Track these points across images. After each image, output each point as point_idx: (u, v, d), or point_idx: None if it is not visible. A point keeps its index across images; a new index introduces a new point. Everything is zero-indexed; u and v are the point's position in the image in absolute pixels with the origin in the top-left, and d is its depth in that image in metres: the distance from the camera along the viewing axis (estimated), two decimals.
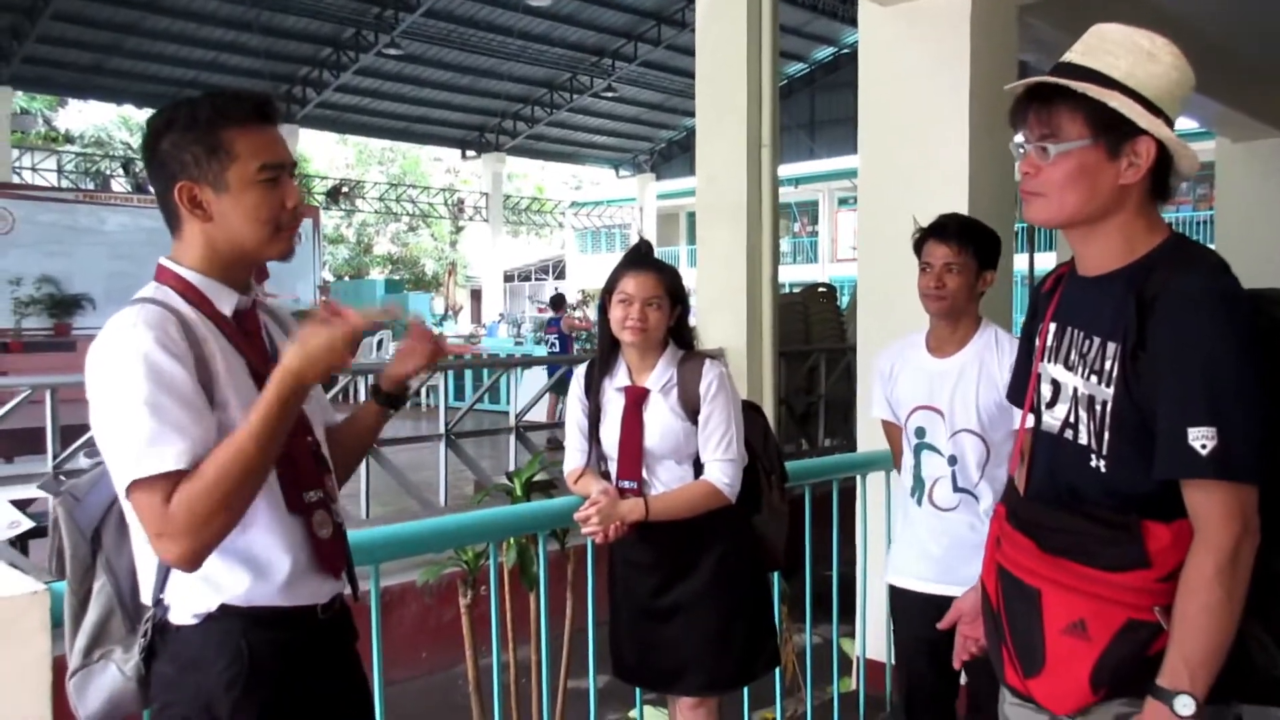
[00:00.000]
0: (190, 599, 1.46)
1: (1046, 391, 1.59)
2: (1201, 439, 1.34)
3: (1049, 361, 1.60)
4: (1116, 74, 1.44)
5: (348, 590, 1.64)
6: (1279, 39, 6.10)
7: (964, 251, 2.52)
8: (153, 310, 1.41)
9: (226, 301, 1.51)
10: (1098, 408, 1.48)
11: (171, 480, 1.33)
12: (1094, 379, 1.49)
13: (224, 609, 1.46)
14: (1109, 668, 1.43)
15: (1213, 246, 1.56)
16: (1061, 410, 1.56)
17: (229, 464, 1.34)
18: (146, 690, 1.48)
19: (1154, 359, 1.40)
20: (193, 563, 1.36)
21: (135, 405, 1.34)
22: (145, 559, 1.46)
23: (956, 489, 2.57)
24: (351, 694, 1.67)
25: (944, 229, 2.55)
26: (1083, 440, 1.51)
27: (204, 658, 1.45)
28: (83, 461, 1.60)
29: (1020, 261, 6.22)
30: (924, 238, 2.59)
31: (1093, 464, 1.49)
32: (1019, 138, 1.54)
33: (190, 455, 1.35)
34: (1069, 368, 1.55)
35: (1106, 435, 1.47)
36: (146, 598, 1.48)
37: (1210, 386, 1.35)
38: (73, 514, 1.49)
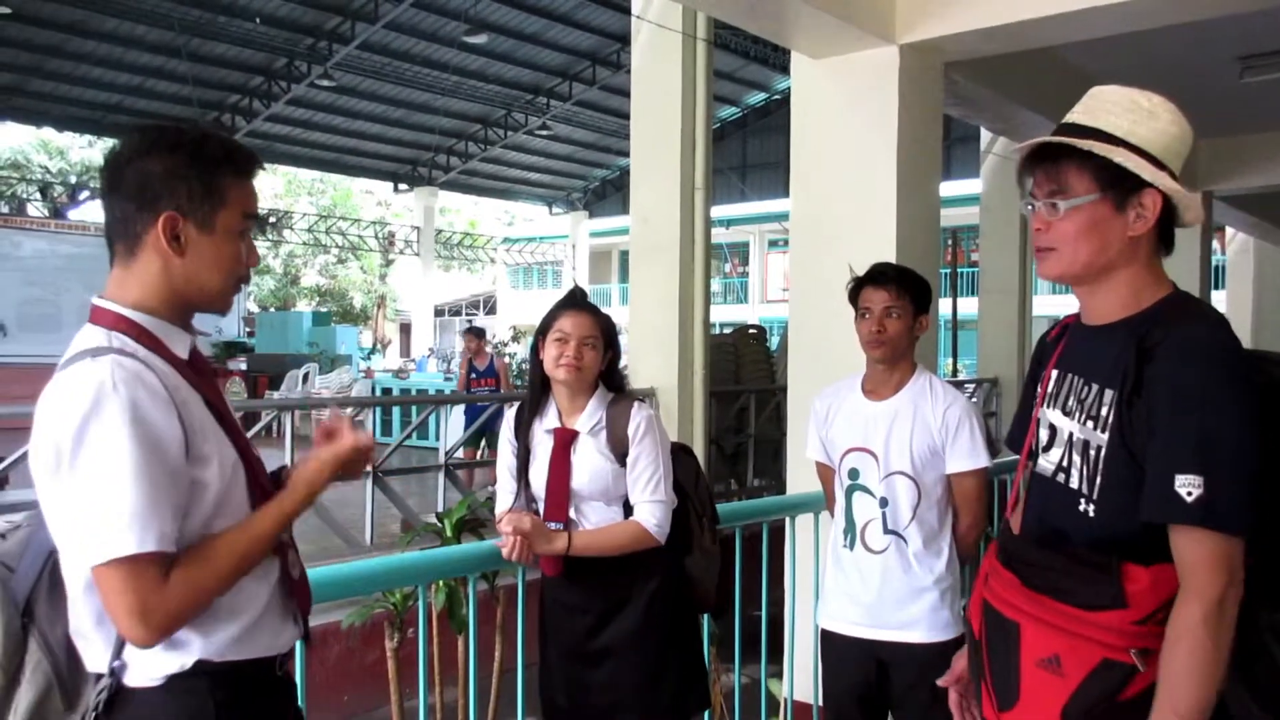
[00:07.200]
0: (157, 659, 1.37)
1: (1043, 435, 1.62)
2: (1188, 486, 1.36)
3: (1048, 407, 1.63)
4: (1118, 132, 1.50)
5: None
6: (1187, 100, 6.39)
7: (903, 296, 2.58)
8: (129, 365, 1.32)
9: (180, 343, 1.44)
10: (1091, 452, 1.51)
11: (159, 560, 1.28)
12: (1090, 424, 1.52)
13: (200, 665, 1.38)
14: (1081, 706, 1.43)
15: None
16: (1056, 454, 1.58)
17: (241, 554, 1.35)
18: None
19: (1149, 405, 1.43)
20: (161, 641, 1.32)
21: (121, 475, 1.26)
22: (89, 626, 1.36)
23: (887, 530, 2.60)
24: None
25: (883, 275, 2.62)
26: (1074, 484, 1.54)
27: None
28: None
29: (944, 306, 6.39)
30: (860, 285, 2.64)
31: (1081, 508, 1.51)
32: (1027, 194, 1.57)
33: (174, 536, 1.30)
34: (1066, 413, 1.57)
35: (1099, 479, 1.49)
36: (97, 665, 1.37)
37: (1202, 436, 1.37)
38: (6, 585, 1.37)
